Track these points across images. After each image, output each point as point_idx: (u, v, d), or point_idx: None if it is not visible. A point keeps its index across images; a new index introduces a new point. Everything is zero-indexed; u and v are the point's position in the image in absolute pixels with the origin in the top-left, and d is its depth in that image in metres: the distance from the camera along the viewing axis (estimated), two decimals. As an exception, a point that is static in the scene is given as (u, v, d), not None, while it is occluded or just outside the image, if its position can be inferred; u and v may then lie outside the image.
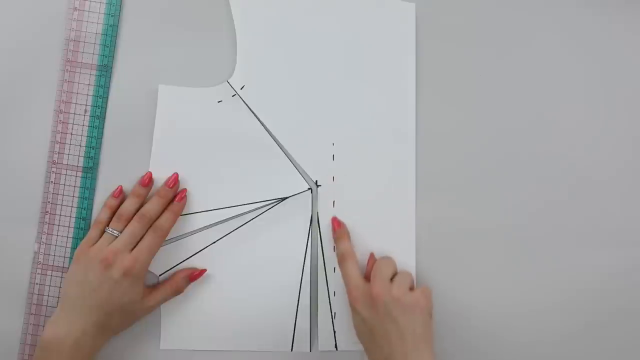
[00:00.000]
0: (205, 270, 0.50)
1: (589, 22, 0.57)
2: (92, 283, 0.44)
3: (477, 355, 0.52)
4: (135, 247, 0.46)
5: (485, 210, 0.54)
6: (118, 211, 0.48)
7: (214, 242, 0.50)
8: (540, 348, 0.53)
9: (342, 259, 0.49)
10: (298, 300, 0.50)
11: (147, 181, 0.49)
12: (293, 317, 0.50)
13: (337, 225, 0.50)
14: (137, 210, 0.48)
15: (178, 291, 0.49)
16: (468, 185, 0.54)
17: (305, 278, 0.51)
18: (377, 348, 0.45)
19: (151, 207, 0.48)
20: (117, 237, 0.47)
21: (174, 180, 0.49)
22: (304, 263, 0.51)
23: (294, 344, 0.50)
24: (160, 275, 0.50)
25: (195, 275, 0.49)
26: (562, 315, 0.53)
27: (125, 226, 0.47)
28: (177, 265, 0.50)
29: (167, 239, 0.49)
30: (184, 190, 0.50)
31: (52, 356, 0.43)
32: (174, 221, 0.48)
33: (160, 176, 0.50)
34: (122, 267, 0.44)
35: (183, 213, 0.50)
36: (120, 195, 0.49)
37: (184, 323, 0.50)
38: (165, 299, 0.48)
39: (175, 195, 0.49)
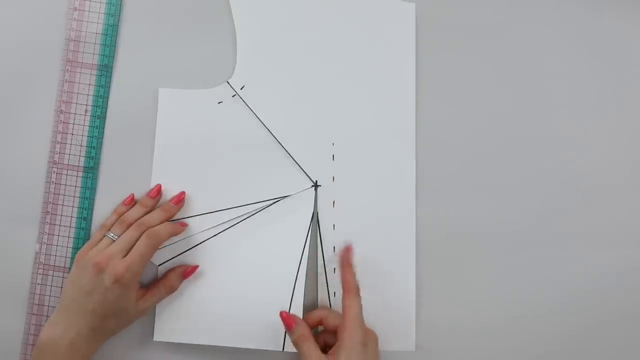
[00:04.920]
0: (197, 266, 0.50)
1: (596, 22, 0.56)
2: (86, 287, 0.44)
3: (478, 357, 0.53)
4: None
5: (485, 210, 0.54)
6: (122, 217, 0.48)
7: (214, 236, 0.50)
8: (542, 349, 0.53)
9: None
10: (291, 300, 0.50)
11: (155, 193, 0.50)
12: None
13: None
14: None
15: (172, 290, 0.49)
16: (468, 186, 0.54)
17: (301, 276, 0.50)
18: None
19: (152, 217, 0.48)
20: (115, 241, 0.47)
21: (178, 198, 0.50)
22: (300, 262, 0.50)
23: (285, 344, 0.49)
24: (159, 265, 0.50)
25: (188, 272, 0.49)
26: (562, 316, 0.53)
27: None
28: (176, 256, 0.50)
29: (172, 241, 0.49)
30: (185, 224, 0.50)
31: (48, 357, 0.43)
32: (170, 234, 0.48)
33: (164, 181, 0.50)
34: (114, 274, 0.44)
35: (186, 216, 0.50)
36: (130, 204, 0.50)
37: (179, 316, 0.49)
38: (159, 299, 0.48)
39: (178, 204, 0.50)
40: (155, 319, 0.49)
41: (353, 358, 0.44)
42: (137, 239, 0.46)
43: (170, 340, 0.49)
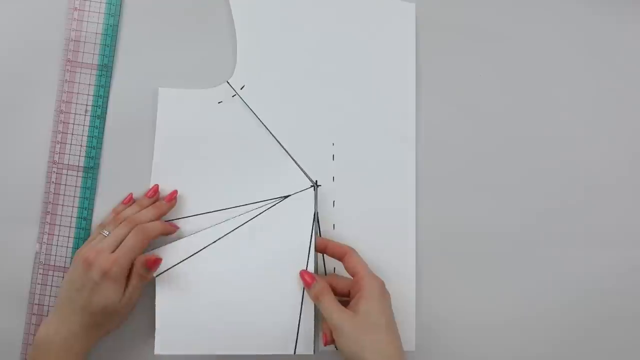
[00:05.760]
0: (160, 259, 0.47)
1: (596, 22, 0.57)
2: (76, 283, 0.44)
3: (478, 357, 0.53)
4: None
5: (485, 210, 0.54)
6: (118, 215, 0.48)
7: (215, 242, 0.50)
8: (542, 349, 0.53)
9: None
10: (302, 303, 0.49)
11: (152, 194, 0.50)
12: (297, 319, 0.49)
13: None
14: None
15: (143, 278, 0.47)
16: (468, 186, 0.54)
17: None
18: None
19: (142, 214, 0.48)
20: None
21: (171, 196, 0.50)
22: (307, 263, 0.50)
23: (297, 347, 0.48)
24: (157, 276, 0.48)
25: (150, 262, 0.46)
26: (562, 316, 0.53)
27: None
28: (175, 266, 0.49)
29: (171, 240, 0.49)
30: (176, 225, 0.50)
31: (42, 355, 0.43)
32: (160, 232, 0.48)
33: (164, 181, 0.50)
34: (101, 269, 0.44)
35: (186, 215, 0.50)
36: (129, 203, 0.50)
37: (181, 326, 0.48)
38: (136, 289, 0.46)
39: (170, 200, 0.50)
40: (156, 330, 0.48)
41: (375, 306, 0.45)
42: (127, 235, 0.46)
43: (173, 353, 0.48)
